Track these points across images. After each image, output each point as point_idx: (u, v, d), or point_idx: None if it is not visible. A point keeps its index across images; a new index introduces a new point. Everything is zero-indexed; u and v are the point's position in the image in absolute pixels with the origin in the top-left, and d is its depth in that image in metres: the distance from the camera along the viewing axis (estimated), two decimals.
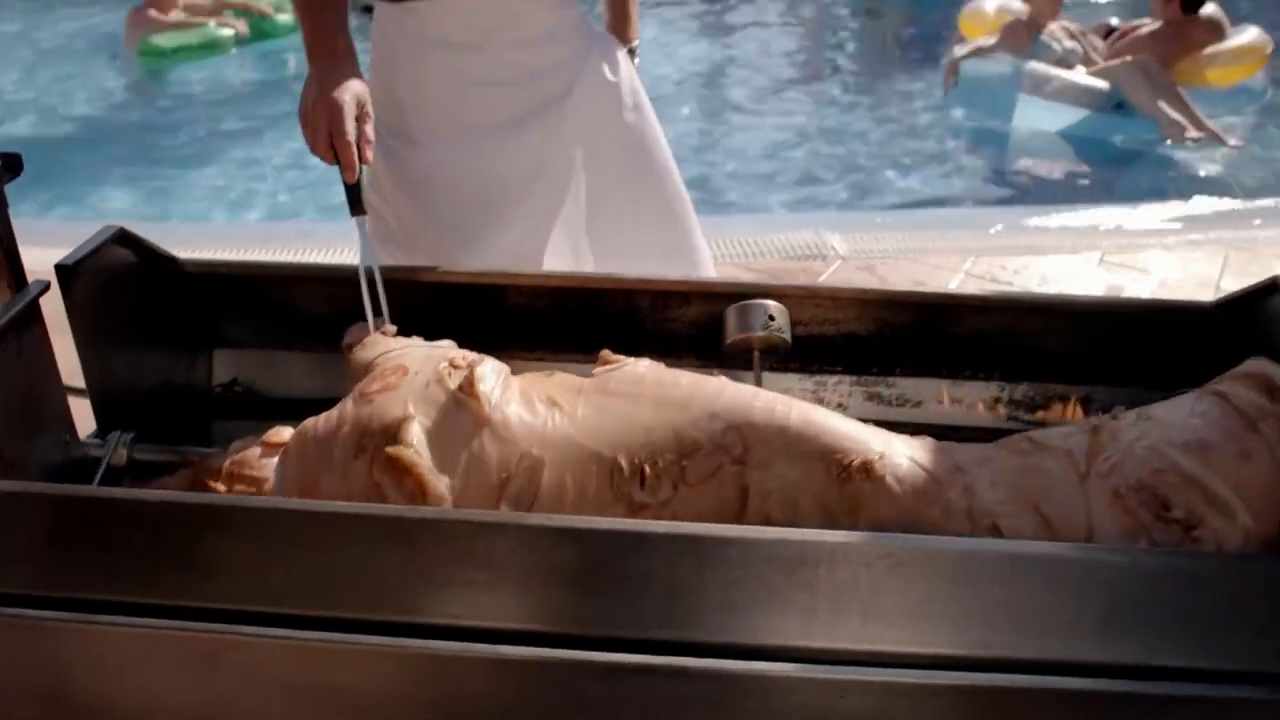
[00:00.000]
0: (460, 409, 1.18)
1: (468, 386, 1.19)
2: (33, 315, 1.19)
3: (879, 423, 1.30)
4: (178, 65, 6.46)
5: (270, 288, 1.60)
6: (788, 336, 1.47)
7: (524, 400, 1.21)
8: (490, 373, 1.23)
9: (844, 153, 5.70)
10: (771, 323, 1.47)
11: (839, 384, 1.62)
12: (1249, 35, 5.76)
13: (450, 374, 1.22)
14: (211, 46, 6.52)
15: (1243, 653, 0.97)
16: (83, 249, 1.27)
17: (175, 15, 6.52)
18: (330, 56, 1.53)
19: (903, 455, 1.17)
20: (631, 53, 1.99)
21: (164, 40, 6.35)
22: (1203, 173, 5.23)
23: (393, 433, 1.14)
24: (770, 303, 1.49)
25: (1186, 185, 5.00)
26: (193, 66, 6.50)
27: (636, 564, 0.99)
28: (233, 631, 0.97)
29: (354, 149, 1.43)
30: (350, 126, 1.43)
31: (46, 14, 7.59)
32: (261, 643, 0.97)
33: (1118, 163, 5.45)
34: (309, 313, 1.58)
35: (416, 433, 1.14)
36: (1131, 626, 0.97)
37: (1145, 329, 1.53)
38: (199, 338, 1.57)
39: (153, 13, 6.43)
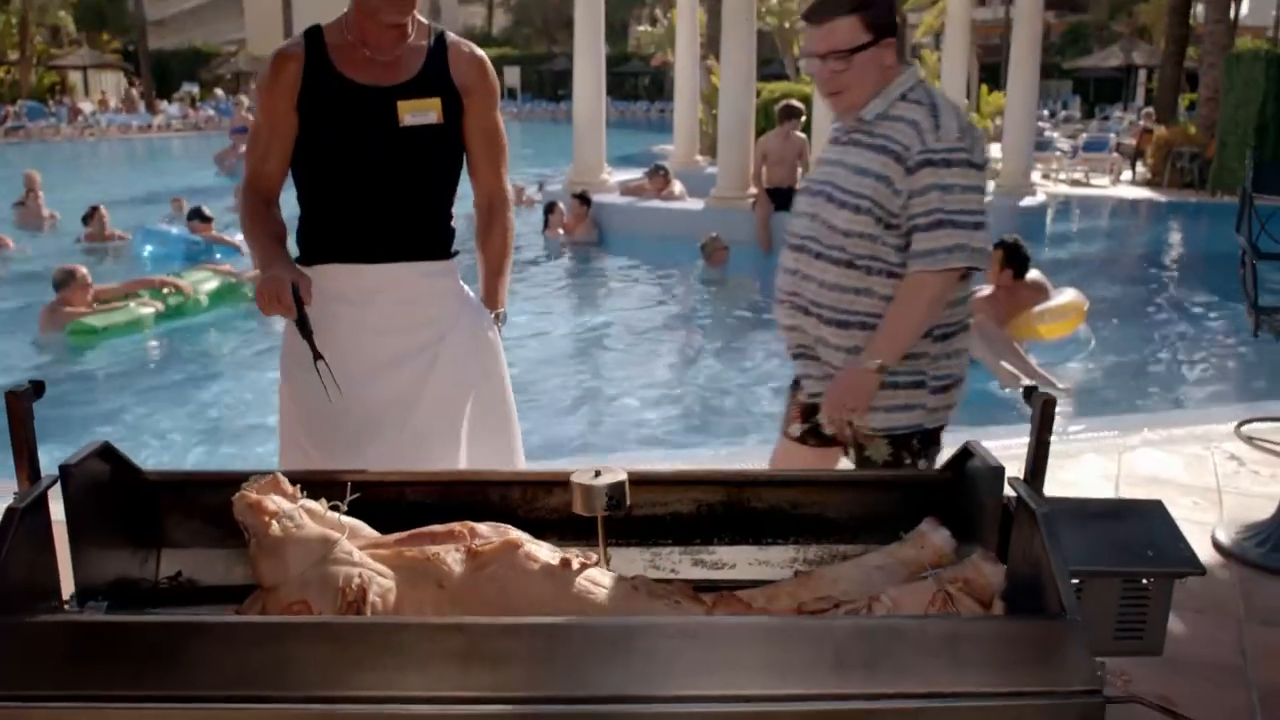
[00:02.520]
0: None
1: None
2: (42, 502, 1.57)
3: (704, 583, 1.78)
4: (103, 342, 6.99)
5: (207, 492, 1.97)
6: (625, 502, 1.82)
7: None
8: (379, 605, 1.57)
9: (709, 404, 6.29)
10: (610, 500, 1.87)
11: (670, 553, 2.04)
12: (1069, 295, 6.67)
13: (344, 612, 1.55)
14: (136, 324, 7.14)
15: (925, 679, 1.40)
16: (78, 455, 1.67)
17: (86, 306, 7.05)
18: (272, 261, 2.23)
19: None
20: (498, 318, 2.54)
21: (95, 320, 6.91)
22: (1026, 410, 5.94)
23: None
24: (611, 481, 1.82)
25: (1014, 419, 5.69)
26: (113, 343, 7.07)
27: (505, 645, 1.39)
28: (208, 709, 1.32)
29: (292, 302, 2.14)
30: (287, 288, 2.13)
31: None
32: (230, 714, 1.32)
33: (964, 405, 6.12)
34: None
35: None
36: (854, 663, 1.40)
37: (898, 492, 2.03)
38: (151, 536, 1.93)
39: (68, 309, 7.01)
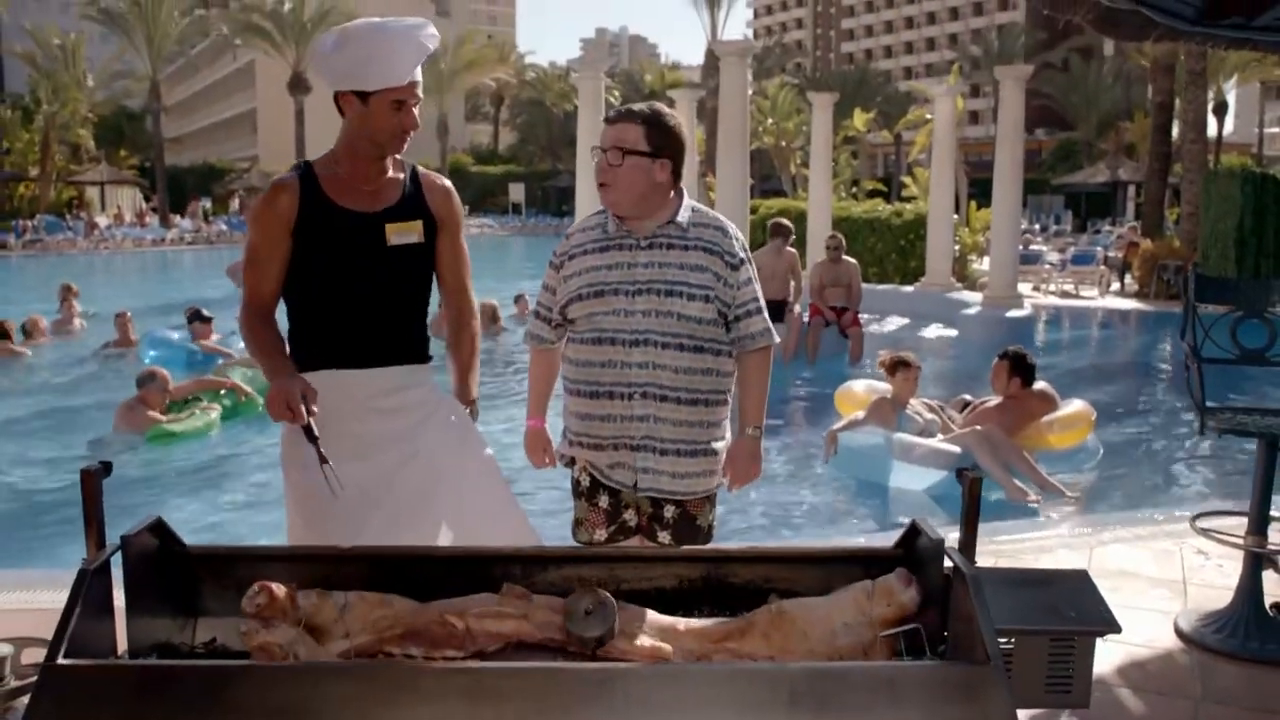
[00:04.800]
0: None
1: None
2: (107, 566, 1.81)
3: None
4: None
5: (240, 566, 2.21)
6: (613, 636, 1.90)
7: None
8: None
9: (732, 511, 6.21)
10: (597, 643, 1.89)
11: None
12: (1076, 406, 6.77)
13: None
14: (208, 428, 7.80)
15: (868, 715, 1.62)
16: (136, 527, 1.92)
17: (161, 405, 7.63)
18: (280, 372, 2.49)
19: None
20: (472, 409, 2.83)
21: (174, 427, 7.52)
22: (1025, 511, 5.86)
23: None
24: (599, 631, 1.89)
25: (999, 514, 5.75)
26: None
27: (506, 685, 1.62)
28: None
29: (302, 410, 2.38)
30: (297, 398, 2.39)
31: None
32: None
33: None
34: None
35: None
36: (806, 702, 1.63)
37: (858, 565, 2.25)
38: (190, 604, 2.16)
39: (146, 408, 7.53)
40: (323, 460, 2.42)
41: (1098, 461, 6.90)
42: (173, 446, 7.46)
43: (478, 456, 2.77)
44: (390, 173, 2.71)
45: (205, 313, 11.00)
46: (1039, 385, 6.67)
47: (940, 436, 6.42)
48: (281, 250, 2.62)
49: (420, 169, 2.80)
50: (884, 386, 6.94)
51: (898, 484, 6.30)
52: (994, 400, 6.66)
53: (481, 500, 2.70)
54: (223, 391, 8.28)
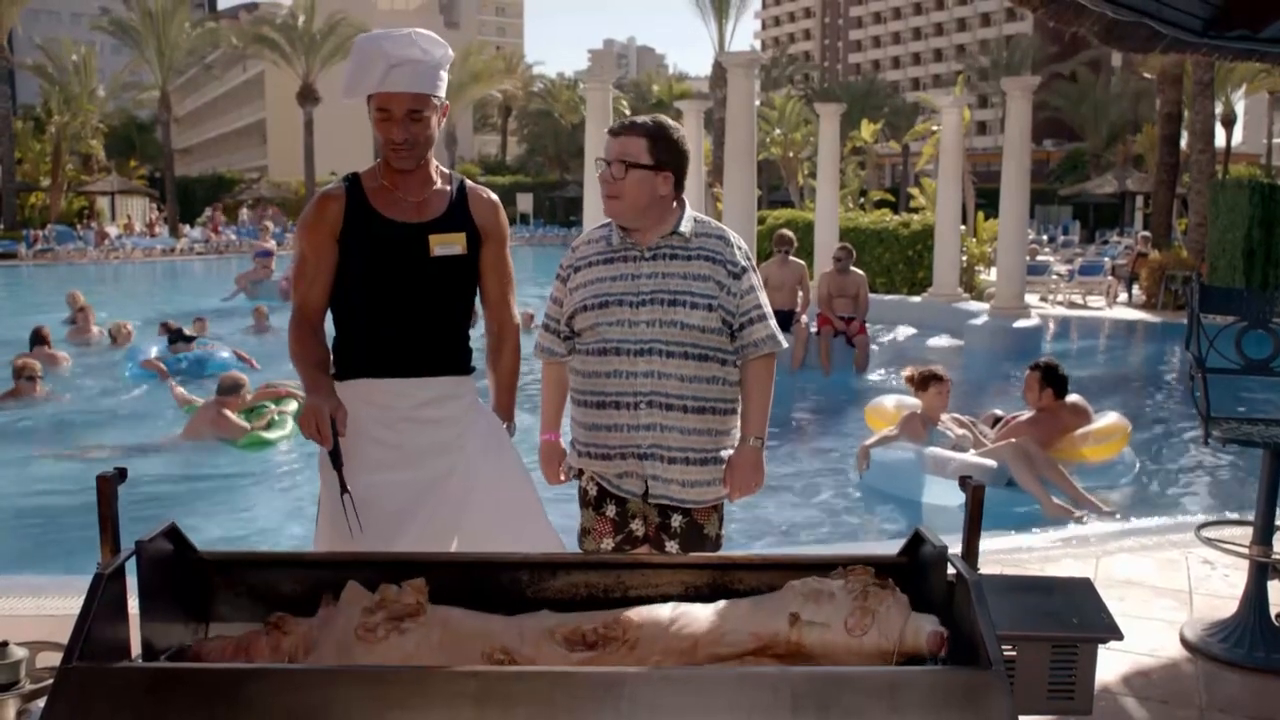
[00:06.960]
0: None
1: None
2: (121, 571, 1.84)
3: None
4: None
5: (252, 572, 2.24)
6: None
7: None
8: None
9: (744, 519, 6.09)
10: None
11: None
12: (1111, 419, 6.72)
13: None
14: (292, 435, 7.81)
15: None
16: (150, 533, 1.94)
17: (238, 410, 7.73)
18: (317, 390, 2.52)
19: None
20: (508, 429, 2.85)
21: (268, 435, 7.66)
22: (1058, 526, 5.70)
23: None
24: None
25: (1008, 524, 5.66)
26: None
27: (514, 688, 1.64)
28: None
29: (330, 433, 2.42)
30: (326, 420, 2.42)
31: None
32: None
33: (1004, 525, 5.53)
34: (283, 592, 2.22)
35: None
36: (808, 706, 1.65)
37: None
38: (202, 609, 2.19)
39: (227, 412, 7.65)
40: (344, 490, 2.44)
41: (1134, 475, 6.84)
42: (265, 450, 7.62)
43: (512, 473, 2.78)
44: (437, 185, 2.74)
45: (187, 332, 11.01)
46: (1071, 398, 6.63)
47: (973, 451, 6.36)
48: (329, 260, 2.66)
49: (468, 182, 2.83)
50: (913, 401, 6.89)
51: (931, 499, 6.20)
52: (1026, 414, 6.62)
53: (513, 519, 2.71)
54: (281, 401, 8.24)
